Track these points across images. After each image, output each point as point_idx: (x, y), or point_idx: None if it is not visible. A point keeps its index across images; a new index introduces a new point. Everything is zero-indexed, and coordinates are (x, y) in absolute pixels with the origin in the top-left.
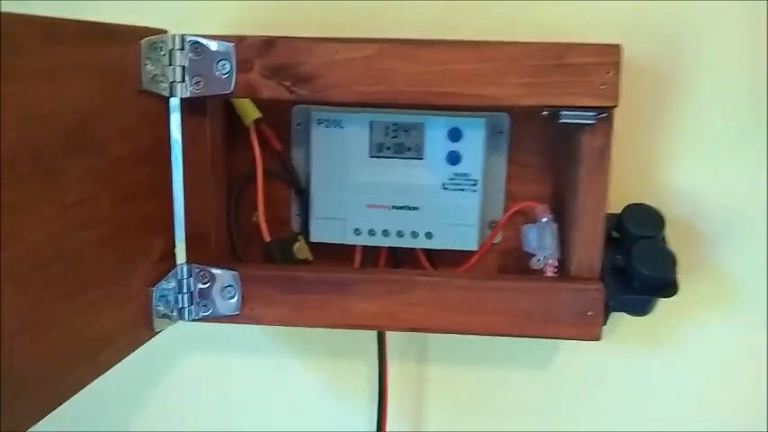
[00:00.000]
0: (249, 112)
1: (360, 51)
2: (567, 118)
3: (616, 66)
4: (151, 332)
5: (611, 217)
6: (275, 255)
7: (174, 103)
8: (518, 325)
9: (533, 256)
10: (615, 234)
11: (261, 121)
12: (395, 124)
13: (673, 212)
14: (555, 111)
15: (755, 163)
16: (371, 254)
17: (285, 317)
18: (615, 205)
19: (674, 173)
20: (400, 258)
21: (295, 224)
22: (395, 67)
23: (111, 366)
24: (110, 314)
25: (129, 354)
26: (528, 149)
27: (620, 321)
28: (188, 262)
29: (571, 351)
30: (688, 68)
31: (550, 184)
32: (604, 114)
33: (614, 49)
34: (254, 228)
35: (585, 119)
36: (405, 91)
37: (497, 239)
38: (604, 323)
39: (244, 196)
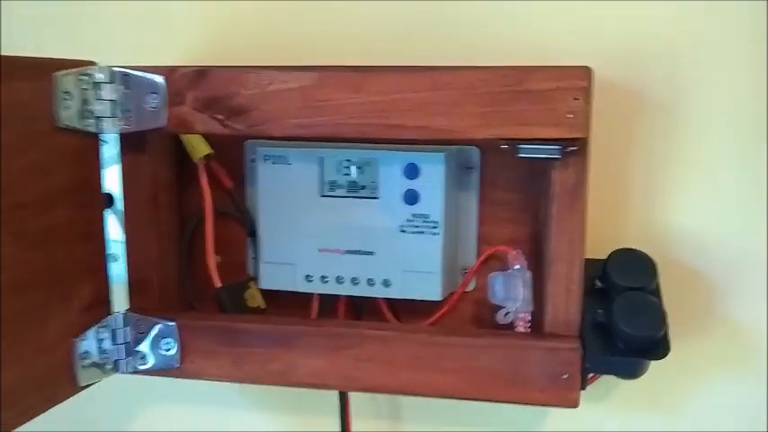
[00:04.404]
0: (198, 147)
1: (296, 81)
2: (527, 152)
3: (584, 91)
4: (75, 386)
5: (595, 264)
6: (225, 302)
7: (109, 139)
8: (479, 388)
9: (501, 308)
10: (599, 284)
11: (211, 157)
12: (347, 160)
13: (673, 257)
14: (514, 144)
15: (761, 197)
16: (330, 303)
17: (228, 372)
18: (605, 250)
19: (674, 212)
20: (362, 308)
21: (251, 269)
22: (334, 97)
23: (18, 426)
24: (14, 370)
25: (43, 411)
26: (502, 186)
27: (618, 380)
28: (129, 310)
29: (563, 414)
30: (687, 93)
31: (528, 224)
32: (573, 147)
33: (582, 72)
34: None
35: (548, 153)
36: (346, 124)
37: (470, 288)
38: (583, 387)
39: (200, 238)
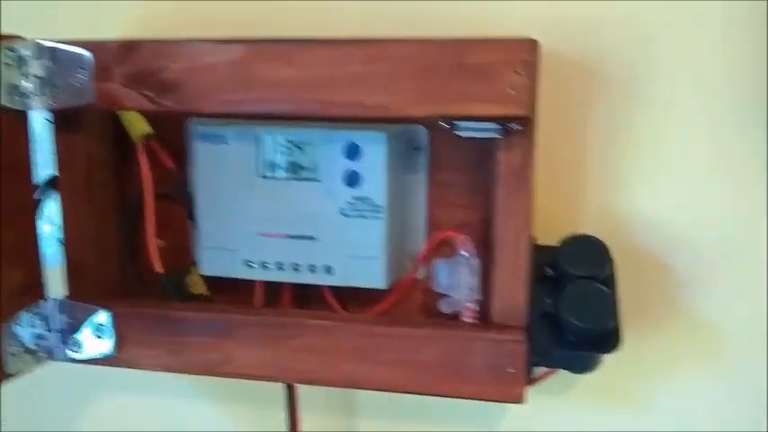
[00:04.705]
0: (136, 126)
1: (224, 54)
2: (466, 131)
3: (527, 65)
4: (2, 374)
5: (548, 251)
6: (168, 289)
7: (39, 116)
8: (421, 381)
9: (446, 297)
10: (550, 272)
11: (151, 136)
12: (286, 140)
13: (634, 246)
14: (452, 122)
15: (738, 183)
16: (275, 290)
17: (164, 361)
18: (561, 238)
19: (636, 198)
20: (309, 296)
21: (195, 254)
22: (264, 72)
23: None
24: None
25: None
26: (452, 168)
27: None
28: (65, 296)
29: (521, 410)
30: (653, 72)
31: (480, 209)
32: (517, 126)
33: (525, 45)
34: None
35: (488, 132)
36: (278, 100)
37: (421, 275)
38: (530, 382)
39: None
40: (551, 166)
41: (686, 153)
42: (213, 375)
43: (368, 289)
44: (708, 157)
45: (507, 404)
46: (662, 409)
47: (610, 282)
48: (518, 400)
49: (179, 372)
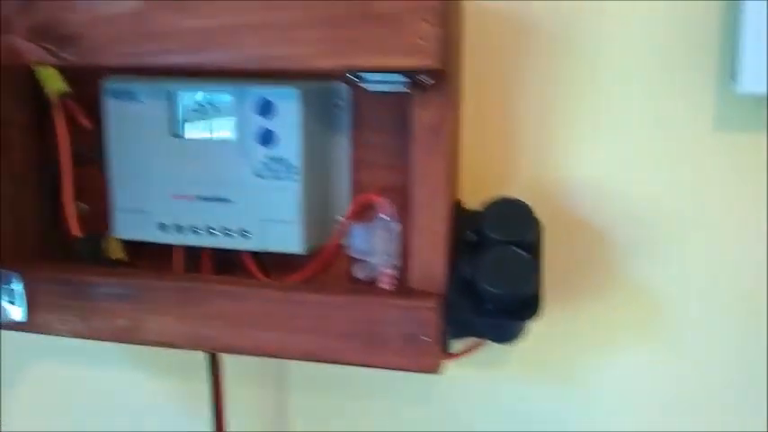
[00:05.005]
0: (52, 84)
1: (125, 5)
2: (373, 84)
3: (436, 13)
4: None
5: (473, 216)
6: (84, 253)
7: None
8: (333, 350)
9: (362, 262)
10: (474, 237)
11: (68, 95)
12: (199, 96)
13: (570, 211)
14: (360, 75)
15: (679, 143)
16: (195, 256)
17: (75, 327)
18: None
19: (572, 162)
20: (233, 262)
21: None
22: (163, 22)
23: None
24: None
25: None
26: (376, 127)
27: (512, 347)
28: None
29: (454, 381)
30: (593, 29)
31: (406, 171)
32: (429, 80)
33: None
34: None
35: (396, 85)
36: (178, 52)
37: (346, 241)
38: (446, 351)
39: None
40: (480, 127)
41: (624, 111)
42: (123, 342)
43: (292, 255)
44: (646, 116)
45: (438, 376)
46: (599, 383)
47: (535, 246)
48: (433, 370)
49: (90, 338)
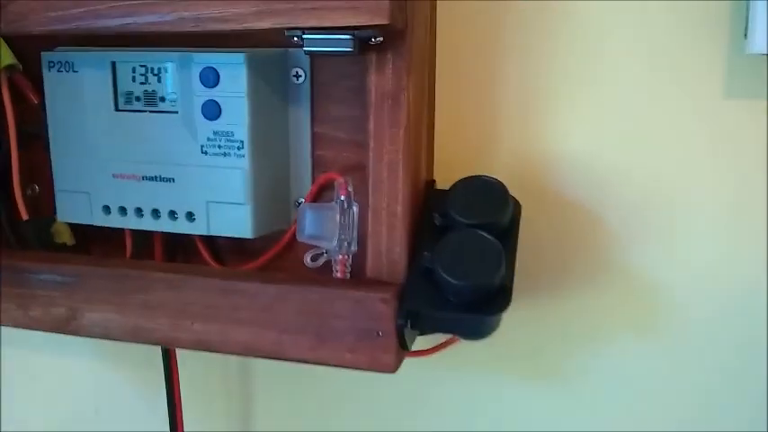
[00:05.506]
0: None
1: None
2: (314, 44)
3: None
4: None
5: (439, 196)
6: (31, 237)
7: None
8: (280, 345)
9: (313, 248)
10: (441, 221)
11: (16, 68)
12: (143, 66)
13: (557, 192)
14: (300, 35)
15: (673, 120)
16: (146, 241)
17: (14, 316)
18: None
19: (559, 135)
20: (186, 247)
21: None
22: None
23: None
24: None
25: None
26: (339, 99)
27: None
28: None
29: (427, 379)
30: None
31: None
32: (377, 38)
33: None
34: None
35: (340, 45)
36: (107, 15)
37: None
38: (407, 348)
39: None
40: (456, 99)
41: (615, 84)
42: (61, 333)
43: (250, 241)
44: (640, 91)
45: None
46: (589, 378)
47: (508, 230)
48: (389, 369)
49: (29, 328)
